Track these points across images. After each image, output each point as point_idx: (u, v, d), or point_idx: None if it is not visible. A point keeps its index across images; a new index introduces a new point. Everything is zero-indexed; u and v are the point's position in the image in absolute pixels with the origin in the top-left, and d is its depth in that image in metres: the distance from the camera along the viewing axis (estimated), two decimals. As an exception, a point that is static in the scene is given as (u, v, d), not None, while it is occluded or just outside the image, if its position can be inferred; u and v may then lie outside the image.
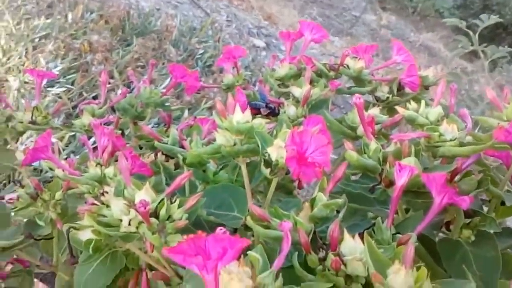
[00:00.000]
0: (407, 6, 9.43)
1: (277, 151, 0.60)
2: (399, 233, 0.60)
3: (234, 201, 0.68)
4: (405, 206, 0.69)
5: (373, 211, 0.74)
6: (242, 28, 3.50)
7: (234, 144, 0.65)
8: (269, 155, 0.61)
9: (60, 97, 1.85)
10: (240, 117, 0.64)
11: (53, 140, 1.67)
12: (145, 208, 0.51)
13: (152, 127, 1.73)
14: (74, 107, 1.85)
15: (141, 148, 1.11)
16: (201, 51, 2.29)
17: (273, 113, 0.86)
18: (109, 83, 1.86)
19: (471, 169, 0.73)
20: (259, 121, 0.64)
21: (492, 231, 0.64)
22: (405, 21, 9.09)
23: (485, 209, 0.72)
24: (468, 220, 0.64)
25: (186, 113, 1.84)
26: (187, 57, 2.25)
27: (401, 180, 0.57)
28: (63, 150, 1.69)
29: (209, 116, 1.93)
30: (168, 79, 1.98)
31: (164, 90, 1.09)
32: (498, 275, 0.62)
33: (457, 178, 0.67)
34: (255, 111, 0.86)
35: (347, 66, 0.90)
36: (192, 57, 2.26)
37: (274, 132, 0.65)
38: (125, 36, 2.27)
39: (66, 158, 1.77)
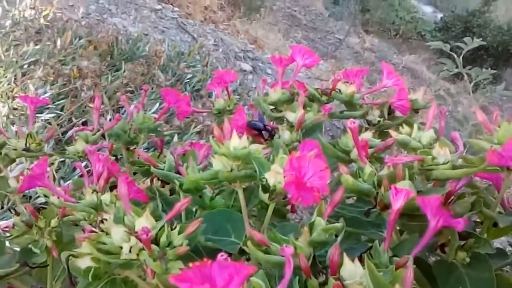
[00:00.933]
0: (390, 29, 9.60)
1: (274, 176, 0.61)
2: (396, 255, 0.61)
3: (231, 226, 0.69)
4: (400, 228, 0.70)
5: (368, 235, 0.75)
6: (229, 52, 3.54)
7: (231, 170, 0.66)
8: (266, 180, 0.62)
9: (49, 123, 1.85)
10: (237, 142, 0.65)
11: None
12: (147, 235, 0.51)
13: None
14: (64, 133, 1.84)
15: (134, 174, 1.11)
16: (189, 76, 2.31)
17: (270, 135, 0.87)
18: (99, 109, 1.87)
19: (463, 191, 0.75)
20: (256, 147, 0.65)
21: (485, 253, 0.64)
22: (387, 43, 9.25)
23: (478, 230, 0.73)
24: (462, 242, 0.65)
25: (175, 137, 1.85)
26: (176, 81, 2.26)
27: (397, 204, 0.58)
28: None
29: (199, 141, 1.94)
30: (157, 104, 1.99)
31: (154, 115, 1.10)
32: (493, 296, 0.63)
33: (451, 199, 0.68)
34: (253, 131, 0.87)
35: (339, 90, 0.91)
36: (181, 82, 2.27)
37: (271, 158, 0.66)
38: (114, 61, 2.28)
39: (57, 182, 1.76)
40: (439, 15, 10.14)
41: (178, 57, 2.49)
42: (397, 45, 9.48)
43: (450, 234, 0.65)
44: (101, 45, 2.35)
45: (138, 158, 1.09)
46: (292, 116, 0.84)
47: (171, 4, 4.85)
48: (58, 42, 2.18)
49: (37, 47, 2.09)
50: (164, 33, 3.40)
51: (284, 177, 0.57)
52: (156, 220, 0.59)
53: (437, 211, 0.59)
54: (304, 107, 0.93)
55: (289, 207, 0.82)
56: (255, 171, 0.64)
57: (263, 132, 0.87)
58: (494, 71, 1.96)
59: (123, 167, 1.06)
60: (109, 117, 1.85)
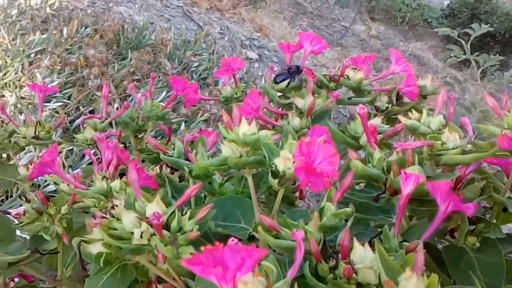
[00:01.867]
0: (396, 16, 9.52)
1: (284, 162, 0.61)
2: (405, 241, 0.61)
3: (241, 212, 0.69)
4: (409, 214, 0.70)
5: (377, 220, 0.75)
6: (235, 40, 3.53)
7: (241, 156, 0.66)
8: (276, 166, 0.62)
9: (57, 112, 1.85)
10: (246, 129, 0.65)
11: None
12: (158, 220, 0.51)
13: (150, 140, 1.74)
14: (71, 122, 1.85)
15: (143, 161, 1.12)
16: (195, 64, 2.30)
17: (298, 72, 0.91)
18: (106, 97, 1.87)
19: (472, 177, 0.75)
20: (265, 133, 0.65)
21: (495, 238, 0.65)
22: (394, 30, 9.18)
23: (487, 216, 0.73)
24: (472, 227, 0.65)
25: (183, 125, 1.85)
26: (182, 70, 2.26)
27: (407, 189, 0.58)
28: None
29: (206, 129, 1.94)
30: (164, 93, 1.99)
31: (161, 103, 1.10)
32: (503, 281, 0.63)
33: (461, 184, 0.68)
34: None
35: (347, 77, 0.91)
36: (187, 70, 2.27)
37: (280, 143, 0.66)
38: (120, 50, 2.28)
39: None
40: (446, 2, 10.05)
41: (184, 45, 2.49)
42: (403, 32, 9.41)
43: (459, 219, 0.65)
44: (107, 34, 2.35)
45: (146, 145, 1.09)
46: (301, 102, 0.84)
47: (177, -7, 4.83)
48: (65, 31, 2.18)
49: (44, 36, 2.09)
50: (170, 22, 3.39)
51: (294, 162, 0.57)
52: (166, 207, 0.59)
53: (446, 196, 0.59)
54: (313, 93, 0.93)
55: (297, 194, 0.82)
56: (264, 157, 0.64)
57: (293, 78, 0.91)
58: (502, 58, 1.94)
59: (131, 154, 1.07)
60: (116, 105, 1.85)
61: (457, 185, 0.67)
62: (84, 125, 1.02)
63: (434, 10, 9.95)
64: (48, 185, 1.73)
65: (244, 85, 2.41)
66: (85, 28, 2.30)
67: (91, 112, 1.89)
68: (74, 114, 1.86)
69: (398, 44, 8.55)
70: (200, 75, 2.30)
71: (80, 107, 1.86)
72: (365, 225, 0.78)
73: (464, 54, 1.84)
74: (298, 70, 0.96)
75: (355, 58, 0.97)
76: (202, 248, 0.40)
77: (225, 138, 0.66)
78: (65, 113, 1.86)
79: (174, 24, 3.39)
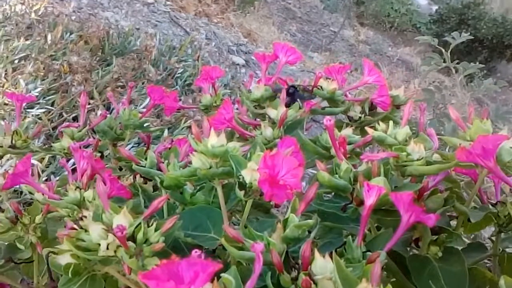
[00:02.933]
0: (385, 21, 9.59)
1: (251, 174, 0.62)
2: (369, 251, 0.62)
3: (211, 222, 0.70)
4: (376, 224, 0.71)
5: (347, 229, 0.77)
6: (222, 46, 3.54)
7: (210, 167, 0.67)
8: (243, 177, 0.63)
9: (40, 118, 1.85)
10: (215, 140, 0.66)
11: (34, 162, 1.67)
12: (122, 233, 0.52)
13: (132, 146, 1.74)
14: (54, 128, 1.85)
15: (120, 169, 1.13)
16: (180, 70, 2.32)
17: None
18: (89, 104, 1.87)
19: (442, 184, 0.76)
20: (234, 145, 0.66)
21: (458, 247, 0.66)
22: (382, 36, 9.24)
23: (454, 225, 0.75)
24: (435, 237, 0.66)
25: (166, 132, 1.85)
26: (167, 76, 2.27)
27: (369, 200, 0.60)
28: (43, 171, 1.69)
29: (189, 135, 1.95)
30: (148, 99, 2.00)
31: (144, 110, 1.11)
32: (466, 289, 0.65)
33: (425, 194, 0.69)
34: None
35: (321, 87, 0.92)
36: (172, 76, 2.28)
37: (249, 155, 0.67)
38: (105, 56, 2.28)
39: (46, 180, 1.77)
40: (434, 8, 10.14)
41: (169, 52, 2.50)
42: (392, 38, 9.48)
43: (423, 229, 0.67)
44: (92, 40, 2.35)
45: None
46: (273, 113, 0.86)
47: (164, -3, 4.84)
48: (49, 37, 2.18)
49: (28, 42, 2.09)
50: (157, 27, 3.40)
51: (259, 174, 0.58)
52: (140, 216, 0.60)
53: (409, 207, 0.61)
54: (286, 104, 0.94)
55: (273, 202, 0.83)
56: (233, 169, 0.65)
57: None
58: (483, 65, 1.97)
59: (109, 163, 1.08)
60: (99, 112, 1.85)
61: (421, 196, 0.68)
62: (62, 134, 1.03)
63: (422, 16, 10.03)
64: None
65: (229, 91, 2.42)
66: (70, 34, 2.31)
67: (74, 118, 1.89)
68: (57, 120, 1.86)
69: (387, 49, 8.62)
70: (185, 81, 2.31)
71: (64, 114, 1.86)
72: (338, 233, 0.80)
73: (445, 61, 1.86)
74: (295, 90, 0.97)
75: (330, 68, 0.99)
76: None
77: (195, 149, 0.68)
78: (48, 120, 1.86)
79: (161, 30, 3.40)
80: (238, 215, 0.85)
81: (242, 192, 0.61)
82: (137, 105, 1.95)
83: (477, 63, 7.34)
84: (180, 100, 2.11)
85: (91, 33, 2.37)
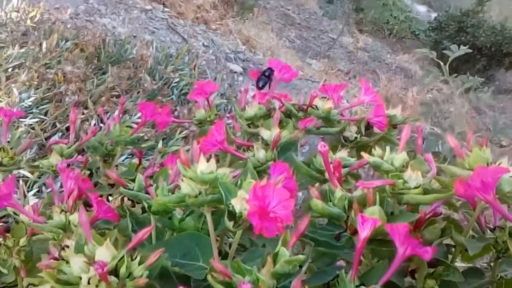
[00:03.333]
0: (384, 28, 9.59)
1: (240, 203, 0.60)
2: (363, 284, 0.60)
3: (200, 250, 0.68)
4: (370, 254, 0.69)
5: (342, 255, 0.74)
6: (219, 53, 3.52)
7: (200, 193, 0.65)
8: (233, 206, 0.61)
9: (33, 128, 1.83)
10: (204, 167, 0.64)
11: (24, 173, 1.64)
12: (102, 269, 0.50)
13: (126, 158, 1.72)
14: (47, 138, 1.83)
15: (112, 186, 1.10)
16: (176, 79, 2.29)
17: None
18: (83, 114, 1.85)
19: (439, 209, 0.74)
20: (224, 171, 0.64)
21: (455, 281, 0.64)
22: (381, 43, 9.23)
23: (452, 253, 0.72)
24: (432, 270, 0.64)
25: (160, 143, 1.83)
26: (163, 85, 2.25)
27: (364, 233, 0.57)
28: (35, 183, 1.66)
29: (184, 146, 1.92)
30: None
31: (139, 120, 1.09)
32: (463, 324, 0.62)
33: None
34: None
35: (316, 106, 0.90)
36: (168, 86, 2.26)
37: (239, 182, 0.65)
38: (101, 64, 2.26)
39: (38, 191, 1.74)
40: (433, 15, 10.14)
41: (166, 60, 2.48)
42: (391, 45, 9.47)
43: (419, 261, 0.64)
44: (88, 48, 2.33)
45: (116, 169, 1.08)
46: (267, 134, 0.83)
47: (163, 3, 4.82)
48: (44, 45, 2.16)
49: (22, 50, 2.07)
50: (154, 34, 3.38)
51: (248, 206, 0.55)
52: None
53: (405, 239, 0.58)
54: (281, 122, 0.92)
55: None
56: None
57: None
58: (481, 79, 1.95)
59: (99, 179, 1.05)
60: (93, 122, 1.83)
61: (418, 226, 0.66)
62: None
63: (421, 23, 10.04)
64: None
65: (226, 101, 2.40)
66: (66, 42, 2.28)
67: (68, 128, 1.86)
68: (50, 130, 1.84)
69: (386, 56, 8.61)
70: (181, 90, 2.29)
71: (57, 124, 1.84)
72: (332, 258, 0.77)
73: (443, 75, 1.84)
74: (272, 71, 1.02)
75: (326, 87, 0.97)
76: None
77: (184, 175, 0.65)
78: (41, 129, 1.83)
79: (158, 37, 3.38)
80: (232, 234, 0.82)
81: (231, 223, 0.59)
82: (132, 115, 1.92)
83: (476, 71, 7.32)
84: (175, 110, 2.08)
85: (87, 41, 2.35)
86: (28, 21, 2.45)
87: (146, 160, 1.72)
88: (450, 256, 0.74)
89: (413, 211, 0.72)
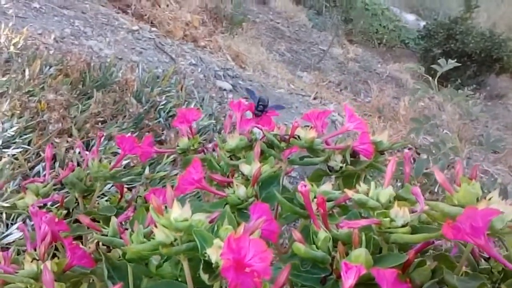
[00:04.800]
0: (373, 38, 9.60)
1: (217, 252, 0.56)
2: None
3: (178, 300, 0.64)
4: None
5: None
6: (208, 71, 3.49)
7: (175, 240, 0.61)
8: (209, 256, 0.57)
9: (16, 158, 1.78)
10: (178, 213, 0.60)
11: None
12: None
13: (112, 186, 1.67)
14: (31, 168, 1.78)
15: (94, 220, 1.07)
16: (164, 102, 2.26)
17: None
18: (67, 142, 1.81)
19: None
20: (199, 217, 0.60)
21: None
22: (372, 52, 9.24)
23: None
24: (423, 314, 0.60)
25: (147, 169, 1.79)
26: (150, 108, 2.21)
27: (348, 282, 0.53)
28: (19, 215, 1.62)
29: (172, 171, 1.88)
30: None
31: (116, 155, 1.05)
32: None
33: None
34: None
35: (298, 136, 0.87)
36: (155, 109, 2.22)
37: (215, 228, 0.61)
38: (86, 89, 2.22)
39: (24, 222, 1.69)
40: (422, 23, 10.16)
41: (152, 82, 2.44)
42: (381, 54, 9.48)
43: (410, 306, 0.60)
44: (73, 72, 2.29)
45: (94, 207, 1.04)
46: (247, 169, 0.80)
47: (151, 22, 4.80)
48: (27, 72, 2.12)
49: (4, 78, 2.03)
50: (142, 54, 3.35)
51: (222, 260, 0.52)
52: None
53: (393, 285, 0.55)
54: (263, 153, 0.88)
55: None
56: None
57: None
58: (470, 93, 1.92)
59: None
60: (78, 150, 1.79)
61: (406, 268, 0.62)
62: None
63: (410, 31, 10.05)
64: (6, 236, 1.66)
65: (214, 121, 2.36)
66: (49, 68, 2.25)
67: (53, 157, 1.82)
68: (34, 160, 1.80)
69: (376, 66, 8.60)
70: (168, 112, 2.25)
71: (41, 153, 1.80)
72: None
73: (433, 88, 1.82)
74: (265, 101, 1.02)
75: (309, 114, 0.93)
76: None
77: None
78: (25, 159, 1.79)
79: (146, 57, 3.35)
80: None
81: (206, 276, 0.55)
82: (117, 141, 1.88)
83: (466, 77, 7.30)
84: (162, 133, 2.05)
85: (72, 66, 2.31)
86: (12, 48, 2.42)
87: (135, 187, 1.68)
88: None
89: (402, 247, 0.68)
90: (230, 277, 0.50)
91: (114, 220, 0.73)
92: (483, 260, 0.75)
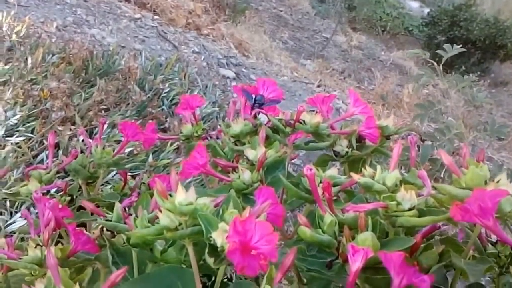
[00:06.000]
0: (377, 26, 9.54)
1: (222, 235, 0.55)
2: (357, 318, 0.55)
3: (182, 285, 0.63)
4: (364, 282, 0.64)
5: (335, 280, 0.70)
6: (211, 59, 3.48)
7: (180, 224, 0.61)
8: (214, 240, 0.56)
9: (20, 147, 1.78)
10: (183, 197, 0.59)
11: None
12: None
13: (116, 174, 1.67)
14: (35, 157, 1.78)
15: (98, 206, 1.06)
16: (167, 89, 2.25)
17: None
18: (70, 130, 1.80)
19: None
20: (204, 201, 0.60)
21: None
22: (375, 40, 9.19)
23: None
24: (431, 298, 0.60)
25: (151, 157, 1.79)
26: (153, 96, 2.20)
27: (355, 265, 0.53)
28: (23, 203, 1.62)
29: (175, 159, 1.87)
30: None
31: (117, 145, 1.04)
32: None
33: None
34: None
35: (303, 121, 0.86)
36: (158, 96, 2.21)
37: (220, 211, 0.60)
38: (89, 77, 2.21)
39: (28, 209, 1.70)
40: (426, 10, 10.10)
41: (155, 70, 2.43)
42: (385, 41, 9.43)
43: (417, 289, 0.60)
44: (75, 61, 2.28)
45: (98, 194, 1.04)
46: (252, 154, 0.79)
47: (153, 11, 4.77)
48: (29, 60, 2.11)
49: (7, 66, 2.02)
50: (144, 43, 3.33)
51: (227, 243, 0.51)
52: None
53: (400, 268, 0.54)
54: (268, 138, 0.88)
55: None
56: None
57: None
58: (475, 79, 1.91)
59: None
60: (81, 138, 1.79)
61: (414, 251, 0.61)
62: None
63: (414, 19, 9.99)
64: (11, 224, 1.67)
65: (218, 109, 2.35)
66: (52, 56, 2.24)
67: (56, 145, 1.82)
68: (37, 148, 1.79)
69: (380, 53, 8.56)
70: (171, 100, 2.24)
71: (44, 141, 1.79)
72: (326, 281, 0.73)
73: (437, 75, 1.80)
74: (263, 97, 0.98)
75: (314, 99, 0.92)
76: None
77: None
78: (28, 148, 1.79)
79: (149, 45, 3.34)
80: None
81: (212, 260, 0.54)
82: (121, 129, 1.87)
83: (471, 64, 7.25)
84: (166, 121, 2.04)
85: (74, 54, 2.30)
86: (14, 36, 2.41)
87: (139, 174, 1.68)
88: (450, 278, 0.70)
89: (408, 231, 0.68)
90: (236, 260, 0.50)
91: (118, 205, 0.72)
92: (490, 245, 0.75)
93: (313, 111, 0.88)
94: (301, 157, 2.65)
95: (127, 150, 1.76)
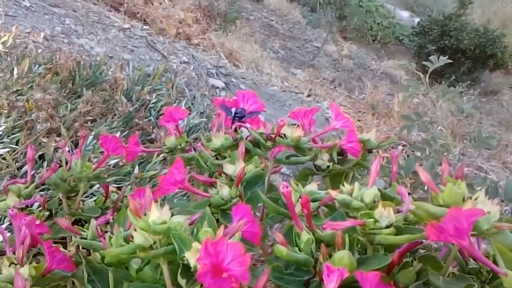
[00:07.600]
0: (367, 35, 9.58)
1: (195, 256, 0.54)
2: None
3: (158, 305, 0.62)
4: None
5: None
6: (201, 69, 3.47)
7: (154, 243, 0.60)
8: (187, 260, 0.55)
9: (4, 158, 1.76)
10: (157, 216, 0.58)
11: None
12: None
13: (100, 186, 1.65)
14: (19, 168, 1.76)
15: (80, 220, 1.05)
16: (154, 100, 2.24)
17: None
18: (55, 142, 1.79)
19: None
20: (178, 219, 0.59)
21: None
22: (366, 49, 9.22)
23: None
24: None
25: (136, 168, 1.77)
26: (140, 106, 2.19)
27: (330, 286, 0.52)
28: (4, 218, 1.60)
29: (162, 170, 1.86)
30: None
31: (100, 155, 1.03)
32: None
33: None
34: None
35: (284, 135, 0.85)
36: (145, 107, 2.20)
37: (195, 230, 0.59)
38: (75, 88, 2.20)
39: (10, 223, 1.67)
40: (416, 20, 10.15)
41: (143, 80, 2.42)
42: (376, 51, 9.47)
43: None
44: (62, 71, 2.27)
45: (79, 208, 1.03)
46: (231, 169, 0.78)
47: (144, 20, 4.77)
48: (15, 71, 2.09)
49: (-8, 77, 2.01)
50: (133, 52, 3.32)
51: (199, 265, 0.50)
52: None
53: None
54: (248, 152, 0.87)
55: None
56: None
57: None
58: (460, 90, 1.91)
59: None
60: (67, 148, 1.77)
61: (391, 270, 0.61)
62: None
63: (405, 28, 10.03)
64: None
65: (206, 119, 2.34)
66: (39, 66, 2.22)
67: (40, 157, 1.80)
68: (22, 160, 1.77)
69: (370, 63, 8.58)
70: (158, 111, 2.23)
71: (29, 153, 1.77)
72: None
73: (426, 84, 1.80)
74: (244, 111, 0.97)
75: (295, 112, 0.92)
76: None
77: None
78: (13, 159, 1.77)
79: (138, 55, 3.33)
80: None
81: (184, 281, 0.53)
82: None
83: (461, 73, 7.29)
84: (152, 132, 2.03)
85: (61, 65, 2.29)
86: (0, 47, 2.39)
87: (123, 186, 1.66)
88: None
89: (387, 247, 0.67)
90: (207, 283, 0.49)
91: (93, 223, 0.71)
92: (472, 260, 0.74)
93: (295, 124, 0.88)
94: (290, 167, 2.64)
95: (113, 162, 1.74)
